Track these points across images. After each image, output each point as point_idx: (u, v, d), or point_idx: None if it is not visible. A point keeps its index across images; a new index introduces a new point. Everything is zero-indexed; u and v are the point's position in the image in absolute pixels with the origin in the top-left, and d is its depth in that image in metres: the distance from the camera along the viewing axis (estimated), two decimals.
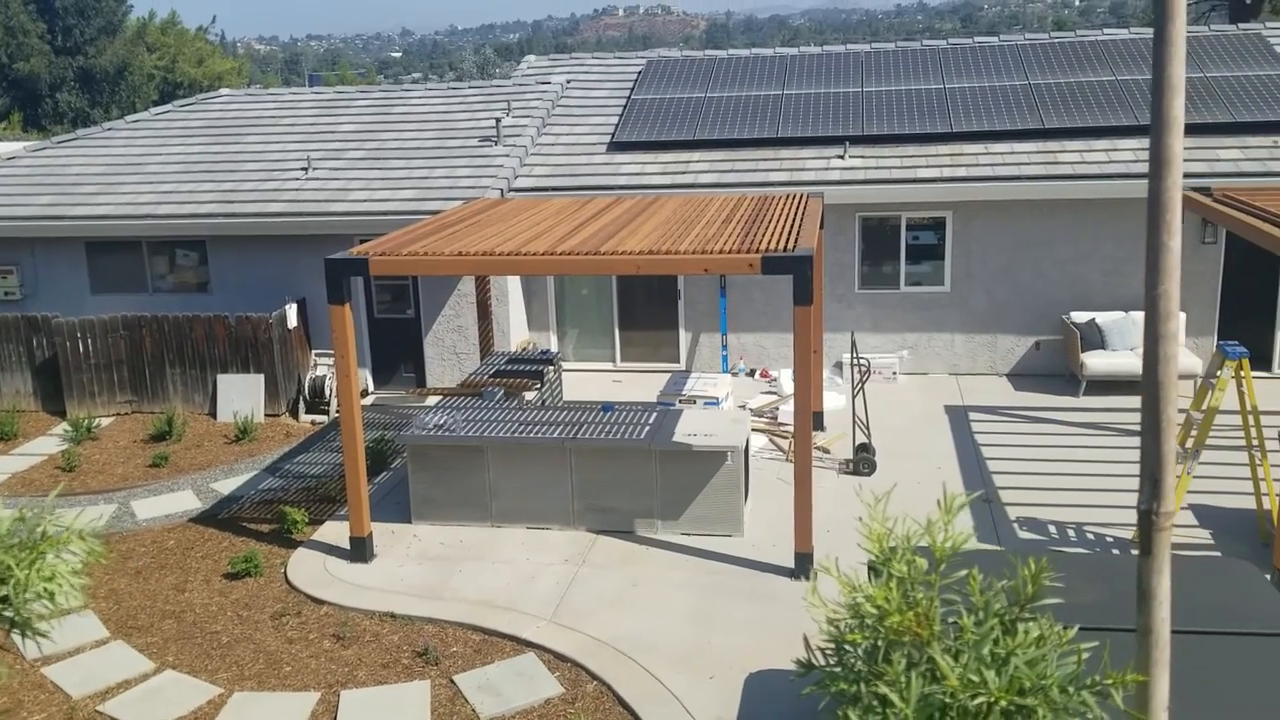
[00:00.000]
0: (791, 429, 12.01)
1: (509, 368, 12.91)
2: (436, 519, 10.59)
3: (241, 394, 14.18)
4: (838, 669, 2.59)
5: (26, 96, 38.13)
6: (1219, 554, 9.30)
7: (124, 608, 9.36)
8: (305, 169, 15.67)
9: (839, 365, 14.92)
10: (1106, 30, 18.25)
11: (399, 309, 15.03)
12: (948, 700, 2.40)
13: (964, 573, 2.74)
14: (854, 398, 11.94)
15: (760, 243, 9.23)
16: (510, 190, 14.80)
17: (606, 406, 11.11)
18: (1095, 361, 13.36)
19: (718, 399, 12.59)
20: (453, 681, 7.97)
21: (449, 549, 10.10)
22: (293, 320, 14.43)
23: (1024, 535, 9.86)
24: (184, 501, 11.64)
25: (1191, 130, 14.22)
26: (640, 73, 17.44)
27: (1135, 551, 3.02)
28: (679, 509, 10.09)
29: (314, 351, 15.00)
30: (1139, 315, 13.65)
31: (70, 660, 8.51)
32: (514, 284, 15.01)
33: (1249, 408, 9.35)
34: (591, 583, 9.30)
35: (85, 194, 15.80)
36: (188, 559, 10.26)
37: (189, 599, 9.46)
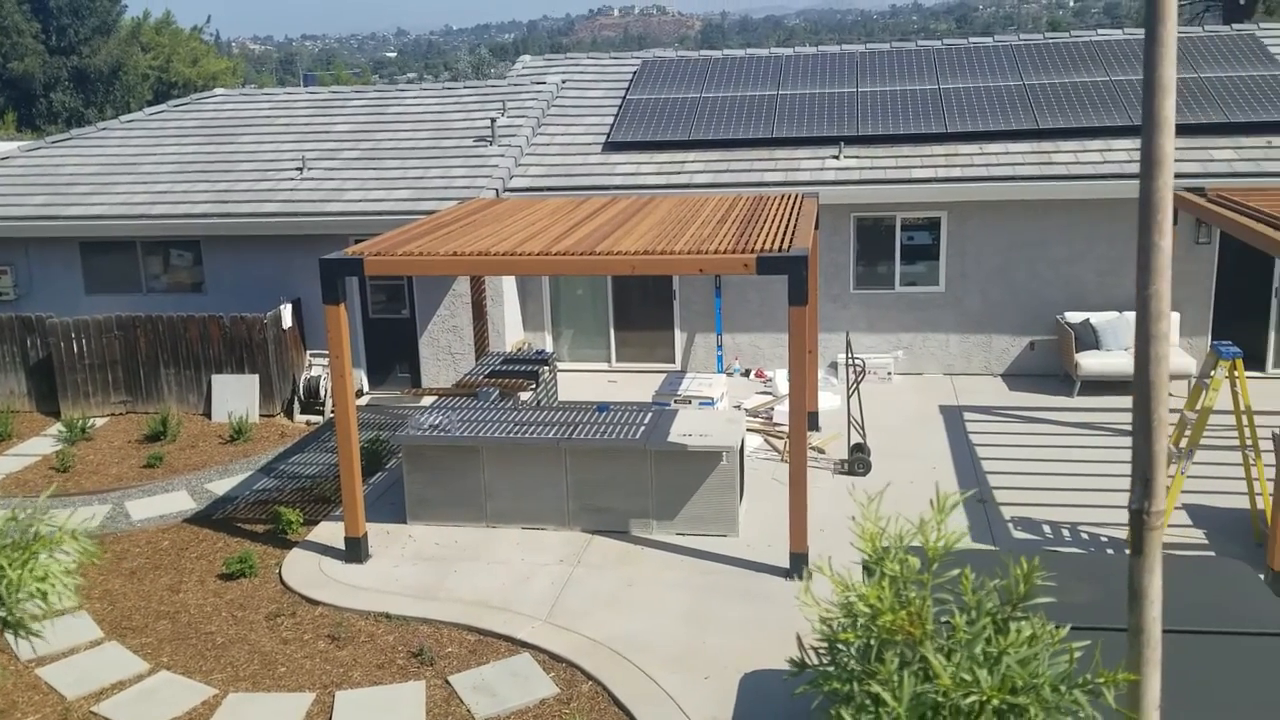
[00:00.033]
0: (786, 429, 12.02)
1: (504, 368, 12.90)
2: (431, 519, 10.59)
3: (236, 394, 14.16)
4: (831, 668, 2.60)
5: (21, 96, 38.06)
6: (1213, 554, 9.32)
7: (118, 608, 9.34)
8: (300, 169, 15.65)
9: (834, 365, 14.94)
10: (1101, 31, 18.29)
11: (394, 309, 15.02)
12: (940, 699, 2.41)
13: (956, 572, 2.75)
14: (849, 398, 11.95)
15: (755, 243, 9.23)
16: (505, 190, 14.79)
17: (602, 407, 11.11)
18: (1089, 362, 13.38)
19: (713, 399, 12.59)
20: (448, 682, 7.97)
21: (444, 549, 10.10)
22: (287, 320, 14.41)
23: (1018, 535, 9.88)
24: (178, 502, 11.62)
25: (1186, 131, 14.26)
26: (635, 73, 17.44)
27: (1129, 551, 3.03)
28: (674, 509, 10.09)
29: (309, 352, 14.99)
30: (1133, 315, 13.67)
31: (65, 661, 8.50)
32: (509, 284, 15.01)
33: (1242, 408, 9.37)
34: (587, 583, 9.30)
35: (79, 194, 15.77)
36: (182, 559, 10.24)
37: (183, 599, 9.45)
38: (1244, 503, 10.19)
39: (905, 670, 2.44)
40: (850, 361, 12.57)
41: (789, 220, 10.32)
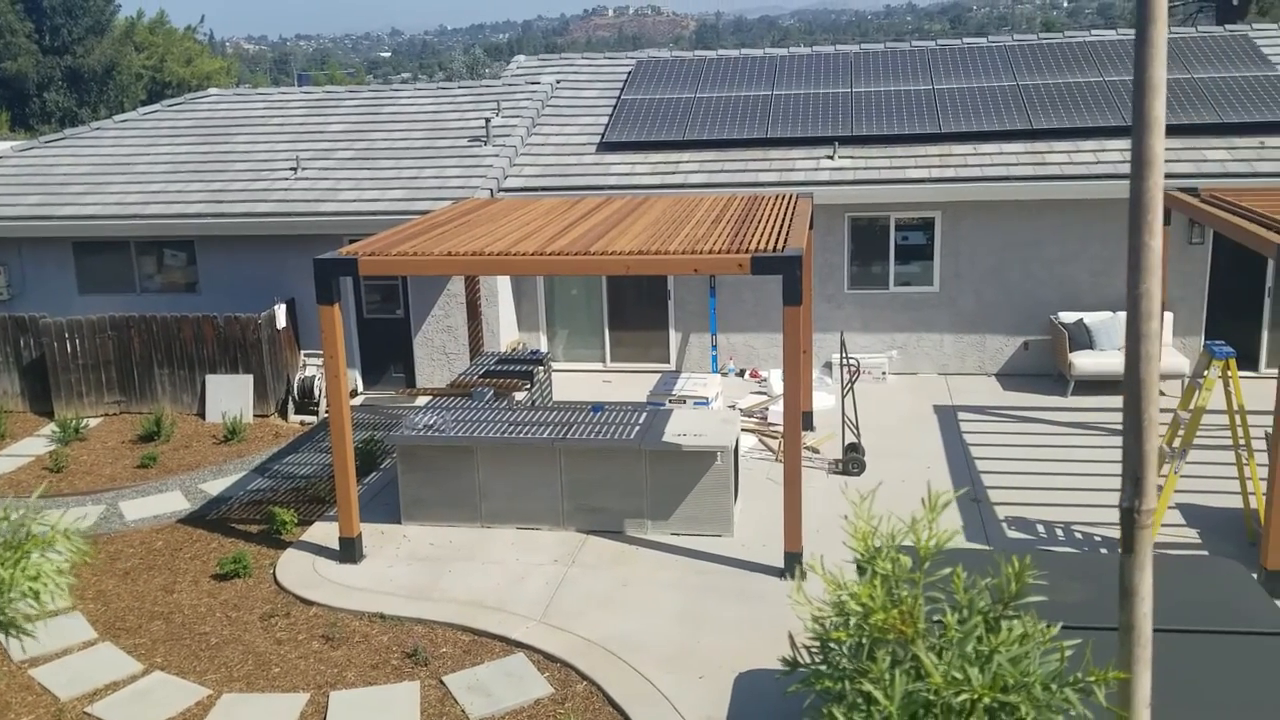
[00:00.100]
0: (781, 429, 12.04)
1: (499, 368, 12.90)
2: (426, 519, 10.58)
3: (230, 394, 14.14)
4: (823, 667, 2.60)
5: (14, 96, 37.97)
6: (1206, 553, 9.34)
7: (112, 609, 9.33)
8: (294, 169, 15.64)
9: (828, 365, 14.95)
10: (1094, 31, 18.32)
11: (388, 309, 15.01)
12: (932, 697, 2.42)
13: (948, 571, 2.76)
14: (843, 398, 11.96)
15: (750, 243, 9.24)
16: (500, 190, 14.79)
17: (596, 407, 11.12)
18: (1083, 361, 13.41)
19: (707, 399, 12.60)
20: (442, 682, 7.97)
21: (438, 549, 10.09)
22: (281, 320, 14.40)
23: (1012, 535, 9.89)
24: (172, 502, 11.60)
25: (1179, 131, 14.30)
26: (630, 73, 17.45)
27: None
28: (669, 509, 10.10)
29: (303, 352, 14.97)
30: None
31: (58, 661, 8.48)
32: (504, 284, 15.01)
33: (1236, 407, 9.40)
34: (581, 583, 9.30)
35: (73, 194, 15.74)
36: (176, 560, 10.23)
37: (177, 600, 9.44)
38: (1237, 502, 10.21)
39: (897, 669, 2.44)
40: (845, 361, 12.59)
41: (783, 220, 10.33)
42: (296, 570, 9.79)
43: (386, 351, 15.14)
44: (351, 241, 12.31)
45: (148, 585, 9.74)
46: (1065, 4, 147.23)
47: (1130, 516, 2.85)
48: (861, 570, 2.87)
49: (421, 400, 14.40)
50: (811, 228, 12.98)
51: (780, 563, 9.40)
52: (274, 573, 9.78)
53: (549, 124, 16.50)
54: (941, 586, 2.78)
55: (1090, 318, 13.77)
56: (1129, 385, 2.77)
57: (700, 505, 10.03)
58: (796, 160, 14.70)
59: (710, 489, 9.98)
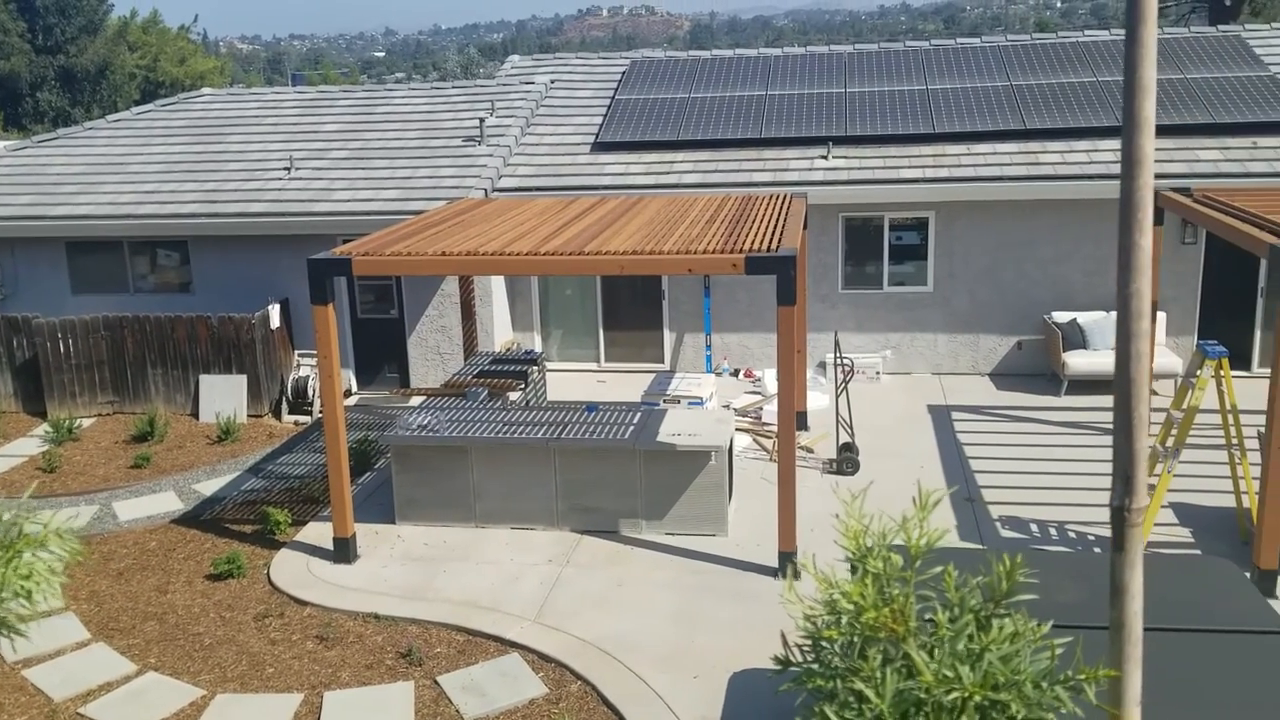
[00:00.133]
0: (775, 428, 12.04)
1: (493, 368, 12.90)
2: (420, 519, 10.58)
3: (224, 395, 14.13)
4: (815, 665, 2.61)
5: (7, 95, 37.87)
6: (1199, 552, 9.37)
7: (105, 609, 9.31)
8: (288, 169, 15.62)
9: (822, 365, 14.97)
10: (1088, 31, 18.37)
11: (382, 309, 15.00)
12: (923, 696, 2.43)
13: (939, 569, 2.76)
14: (837, 397, 11.98)
15: (744, 243, 9.25)
16: (494, 190, 14.79)
17: (591, 407, 11.12)
18: (1076, 361, 13.44)
19: (702, 399, 12.61)
20: (436, 682, 7.97)
21: (433, 549, 10.09)
22: (275, 320, 14.38)
23: (1006, 534, 9.92)
24: (166, 503, 11.59)
25: (1171, 131, 14.34)
26: (624, 73, 17.45)
27: None
28: (663, 509, 10.10)
29: (297, 352, 14.96)
30: None
31: (51, 662, 8.47)
32: (498, 284, 15.00)
33: (1229, 407, 9.42)
34: (576, 583, 9.31)
35: (66, 194, 15.71)
36: (170, 560, 10.22)
37: (171, 600, 9.42)
38: (1230, 501, 10.25)
39: (888, 667, 2.45)
40: (839, 361, 12.61)
41: (777, 220, 10.34)
42: (290, 570, 9.78)
43: (381, 351, 15.13)
44: (345, 241, 12.29)
45: (141, 586, 9.73)
46: (1059, 4, 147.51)
47: (1121, 515, 2.86)
48: (854, 569, 2.88)
49: (416, 400, 14.39)
50: (806, 228, 13.00)
51: (775, 562, 9.41)
52: (268, 573, 9.77)
53: (543, 124, 16.50)
54: (933, 585, 2.79)
55: (1084, 317, 13.80)
56: (1119, 384, 2.78)
57: (695, 505, 10.04)
58: (791, 160, 14.72)
59: (705, 489, 9.99)
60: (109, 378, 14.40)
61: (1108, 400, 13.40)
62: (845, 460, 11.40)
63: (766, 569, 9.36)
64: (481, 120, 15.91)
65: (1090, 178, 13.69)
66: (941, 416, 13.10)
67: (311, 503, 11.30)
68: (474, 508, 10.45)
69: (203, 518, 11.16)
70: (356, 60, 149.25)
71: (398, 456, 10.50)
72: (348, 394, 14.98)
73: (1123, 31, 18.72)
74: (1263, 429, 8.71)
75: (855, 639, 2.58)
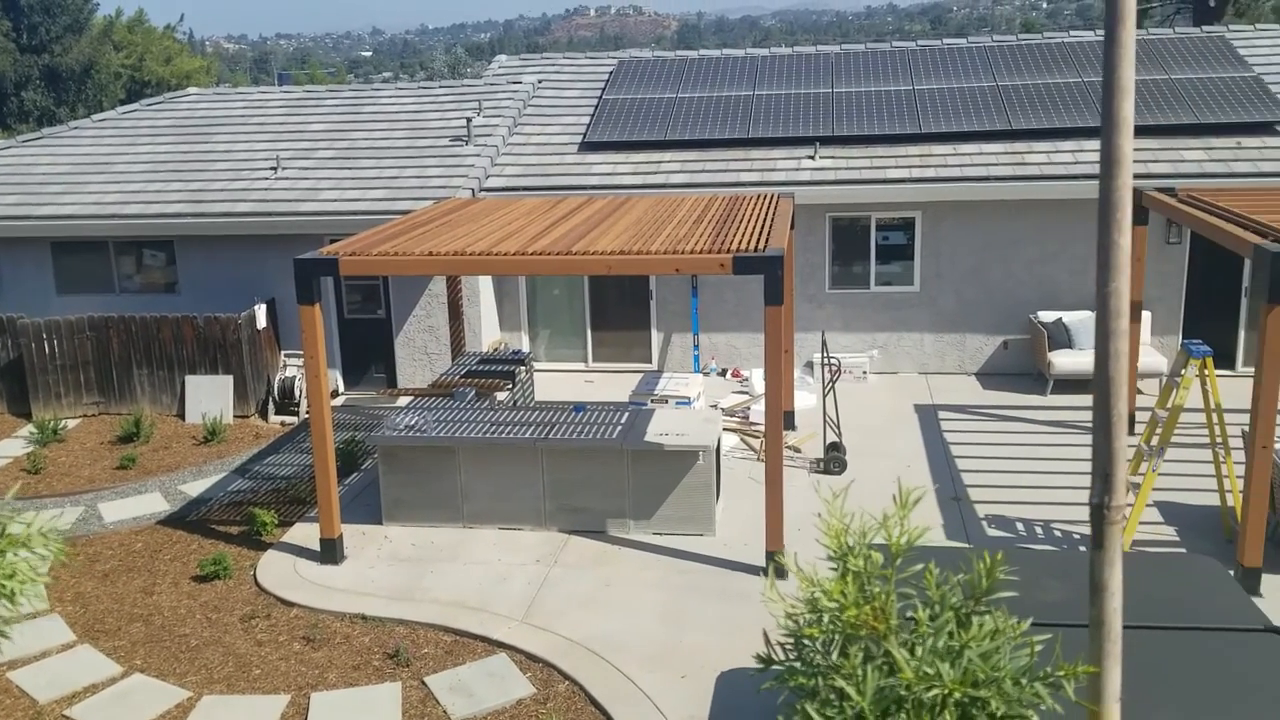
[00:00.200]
0: (763, 428, 12.06)
1: (480, 368, 12.89)
2: (408, 520, 10.56)
3: (210, 395, 14.08)
4: (797, 664, 2.62)
5: None
6: (1184, 550, 9.42)
7: (91, 611, 9.27)
8: (274, 168, 15.58)
9: (810, 365, 15.00)
10: (1073, 32, 18.45)
11: (369, 309, 14.97)
12: (904, 693, 2.44)
13: (920, 567, 2.78)
14: (824, 397, 12.01)
15: (731, 243, 9.26)
16: (481, 190, 14.77)
17: (578, 407, 11.12)
18: (1062, 360, 13.50)
19: (689, 399, 12.62)
20: (424, 683, 7.96)
21: (420, 550, 10.08)
22: (262, 321, 14.34)
23: (992, 533, 9.95)
24: (152, 504, 11.54)
25: (1156, 132, 14.41)
26: (612, 73, 17.45)
27: None
28: (651, 509, 10.11)
29: (283, 352, 14.91)
30: None
31: (36, 664, 8.43)
32: (485, 284, 14.99)
33: (1213, 406, 9.48)
34: (563, 583, 9.31)
35: (51, 194, 15.63)
36: (156, 561, 10.18)
37: (157, 602, 9.39)
38: (1215, 500, 10.30)
39: (869, 665, 2.46)
40: (826, 361, 12.63)
41: (765, 220, 10.36)
42: (277, 571, 9.76)
43: (367, 352, 15.10)
44: (332, 241, 12.27)
45: (127, 587, 9.69)
46: (1045, 5, 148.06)
47: (1100, 513, 2.88)
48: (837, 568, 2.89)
49: (403, 400, 14.37)
50: (793, 228, 13.02)
51: (763, 562, 9.42)
52: (254, 574, 9.74)
53: (531, 124, 16.49)
54: (914, 583, 2.80)
55: (1069, 317, 13.85)
56: (1098, 383, 2.80)
57: (682, 505, 10.05)
58: (778, 160, 14.74)
59: (692, 489, 10.00)
60: (94, 378, 14.34)
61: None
62: (832, 460, 11.43)
63: (754, 568, 9.38)
64: (469, 120, 15.89)
65: (1076, 178, 13.75)
66: (928, 416, 13.14)
67: (298, 503, 11.27)
68: (461, 508, 10.44)
69: (189, 519, 11.13)
70: (343, 60, 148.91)
71: (385, 457, 10.49)
72: (334, 394, 14.95)
73: None
74: (1246, 428, 8.76)
75: (837, 637, 2.59)
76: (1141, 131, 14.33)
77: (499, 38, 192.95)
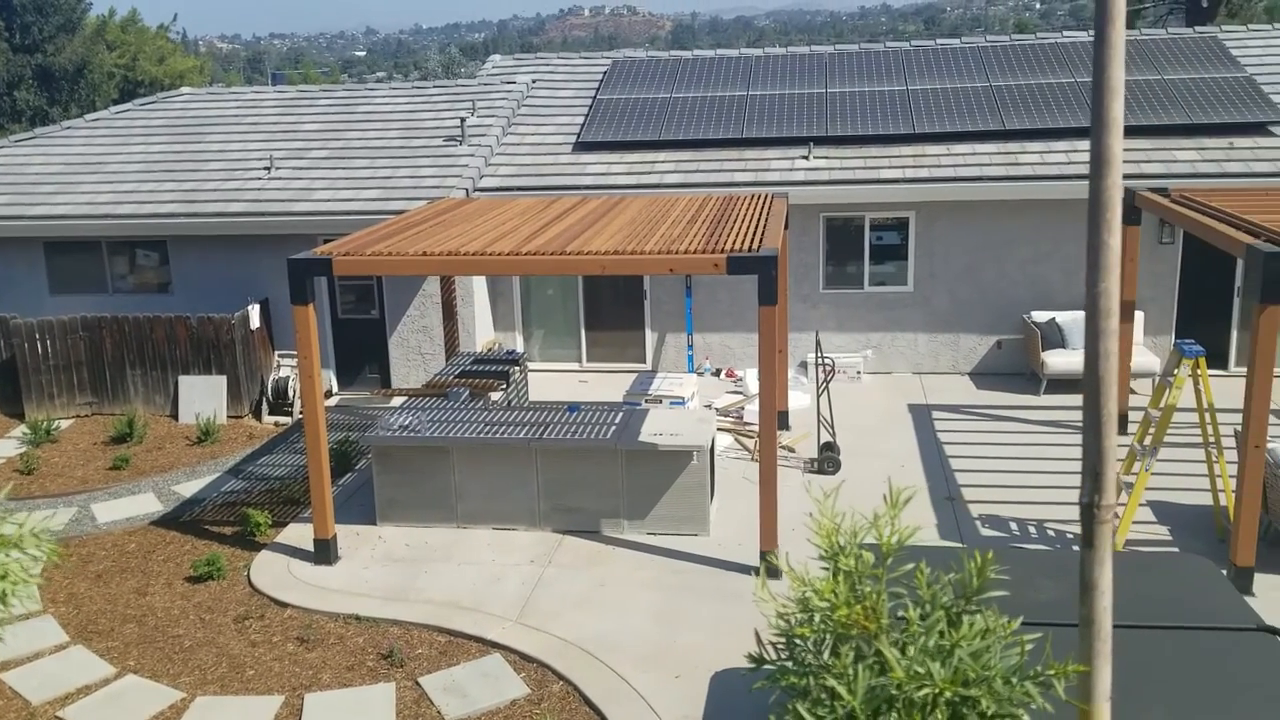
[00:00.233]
0: (757, 428, 12.07)
1: (474, 368, 12.88)
2: (402, 520, 10.56)
3: (203, 395, 14.06)
4: (789, 663, 2.63)
5: None
6: (1176, 549, 9.45)
7: (84, 612, 9.25)
8: (268, 168, 15.56)
9: (804, 365, 15.01)
10: (1066, 32, 18.48)
11: (363, 309, 14.96)
12: (894, 692, 2.44)
13: (911, 566, 2.79)
14: (818, 397, 12.02)
15: (725, 243, 9.27)
16: (475, 190, 14.76)
17: (572, 407, 11.12)
18: (1055, 360, 13.52)
19: (683, 399, 12.62)
20: (418, 683, 7.96)
21: (414, 550, 10.07)
22: (255, 321, 14.32)
23: (986, 532, 9.97)
24: (145, 504, 11.52)
25: (1149, 132, 14.45)
26: (606, 73, 17.45)
27: None
28: (645, 509, 10.12)
29: (277, 352, 14.89)
30: None
31: (29, 665, 8.41)
32: (479, 284, 14.98)
33: (1206, 405, 9.50)
34: (558, 583, 9.31)
35: (44, 193, 15.59)
36: (149, 562, 10.16)
37: (150, 603, 9.37)
38: (1207, 499, 10.33)
39: (860, 664, 2.47)
40: (820, 361, 12.65)
41: (759, 220, 10.37)
42: (271, 572, 9.75)
43: (361, 352, 15.09)
44: (326, 241, 12.24)
45: (120, 588, 9.67)
46: (1038, 5, 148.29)
47: (1090, 512, 2.89)
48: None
49: (397, 401, 14.35)
50: (787, 228, 13.03)
51: (757, 562, 9.43)
52: (248, 575, 9.73)
53: (525, 124, 16.48)
54: (905, 582, 2.81)
55: (1062, 316, 13.88)
56: (1088, 382, 2.81)
57: (677, 505, 10.06)
58: (772, 160, 14.75)
59: (687, 489, 10.01)
60: (87, 379, 14.31)
61: None
62: (826, 460, 11.44)
63: (749, 568, 9.38)
64: (463, 120, 15.89)
65: (1069, 178, 13.78)
66: (922, 416, 13.16)
67: (292, 504, 11.26)
68: (455, 508, 10.44)
69: (182, 519, 11.11)
70: (337, 59, 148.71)
71: (379, 457, 10.48)
72: (328, 395, 14.93)
73: None
74: (1239, 427, 8.79)
75: (828, 636, 2.59)
76: (1134, 132, 14.37)
77: (493, 37, 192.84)
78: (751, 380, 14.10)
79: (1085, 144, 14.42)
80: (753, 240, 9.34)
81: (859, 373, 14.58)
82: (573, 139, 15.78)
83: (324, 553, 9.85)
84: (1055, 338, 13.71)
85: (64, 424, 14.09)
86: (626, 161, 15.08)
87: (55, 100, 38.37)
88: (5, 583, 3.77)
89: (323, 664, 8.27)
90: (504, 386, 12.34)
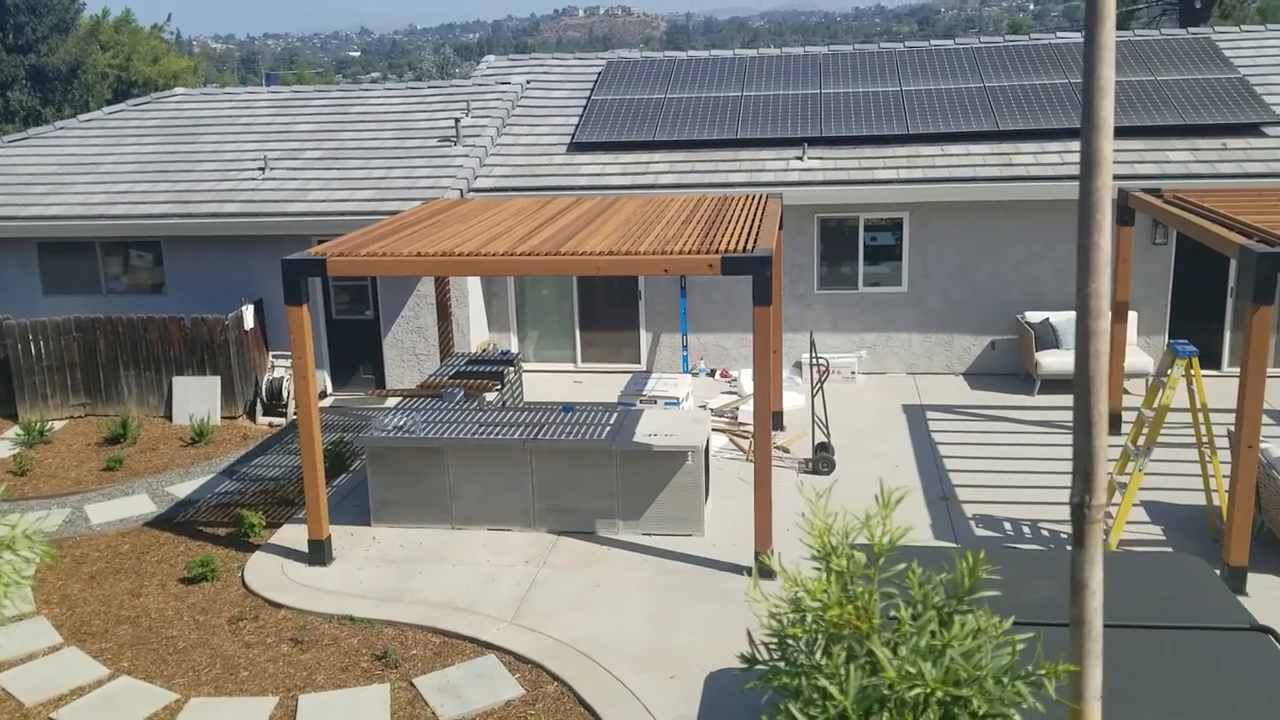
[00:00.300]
0: (751, 428, 12.08)
1: (469, 369, 12.88)
2: (396, 521, 10.55)
3: (198, 396, 14.03)
4: (781, 663, 2.63)
5: None
6: (1170, 549, 9.47)
7: (78, 613, 9.24)
8: (262, 169, 15.54)
9: (798, 365, 15.03)
10: (1060, 33, 18.51)
11: (358, 310, 14.95)
12: (886, 692, 2.45)
13: (904, 566, 2.79)
14: (813, 397, 12.03)
15: (720, 243, 9.28)
16: (470, 191, 14.76)
17: (567, 407, 11.12)
18: (1049, 360, 13.55)
19: (678, 399, 12.63)
20: (412, 684, 7.95)
21: (409, 551, 10.06)
22: (249, 322, 14.30)
23: (980, 532, 9.99)
24: (139, 505, 11.50)
25: (1142, 133, 14.48)
26: (600, 73, 17.46)
27: None
28: (640, 509, 10.12)
29: (271, 353, 14.88)
30: None
31: (22, 667, 8.39)
32: (474, 285, 14.98)
33: (1199, 406, 9.52)
34: (552, 584, 9.31)
35: (37, 194, 15.56)
36: (143, 563, 10.14)
37: (144, 604, 9.36)
38: (1200, 499, 10.35)
39: (852, 664, 2.47)
40: (814, 361, 12.66)
41: (753, 221, 10.38)
42: (265, 573, 9.74)
43: (356, 353, 15.08)
44: (320, 242, 12.22)
45: (114, 589, 9.65)
46: (1032, 6, 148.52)
47: (1081, 511, 2.90)
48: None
49: (391, 401, 14.34)
50: (781, 228, 13.05)
51: (751, 562, 9.44)
52: (242, 576, 9.72)
53: (519, 124, 16.48)
54: (897, 582, 2.81)
55: (1056, 317, 13.91)
56: (1078, 382, 2.82)
57: (671, 505, 10.06)
58: (766, 161, 14.77)
59: (681, 489, 10.01)
60: (81, 379, 14.28)
61: None
62: (821, 460, 11.45)
63: (743, 569, 9.39)
64: (457, 120, 15.88)
65: (1062, 178, 13.80)
66: (916, 416, 13.18)
67: (286, 505, 11.24)
68: (450, 509, 10.43)
69: (176, 520, 11.09)
70: (331, 60, 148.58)
71: (373, 458, 10.47)
72: (323, 395, 14.92)
73: None
74: (1233, 428, 8.81)
75: (820, 636, 2.60)
76: (1127, 132, 14.40)
77: (487, 38, 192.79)
78: (746, 381, 14.11)
79: (1079, 144, 14.43)
80: (747, 241, 9.35)
81: (853, 373, 14.60)
82: (567, 140, 15.78)
83: (318, 554, 9.84)
84: (1049, 338, 13.73)
85: (57, 425, 14.06)
86: (621, 162, 15.09)
87: (49, 101, 38.29)
88: None
89: (317, 665, 8.26)
90: (499, 387, 12.34)
